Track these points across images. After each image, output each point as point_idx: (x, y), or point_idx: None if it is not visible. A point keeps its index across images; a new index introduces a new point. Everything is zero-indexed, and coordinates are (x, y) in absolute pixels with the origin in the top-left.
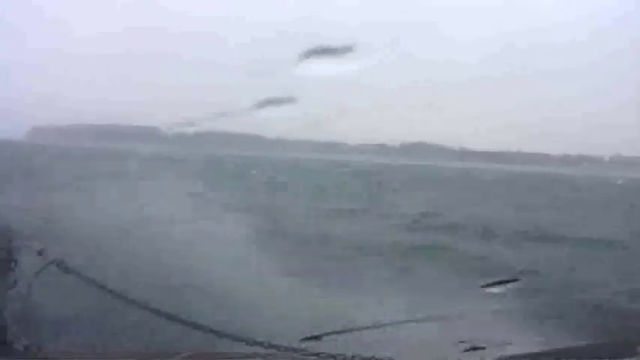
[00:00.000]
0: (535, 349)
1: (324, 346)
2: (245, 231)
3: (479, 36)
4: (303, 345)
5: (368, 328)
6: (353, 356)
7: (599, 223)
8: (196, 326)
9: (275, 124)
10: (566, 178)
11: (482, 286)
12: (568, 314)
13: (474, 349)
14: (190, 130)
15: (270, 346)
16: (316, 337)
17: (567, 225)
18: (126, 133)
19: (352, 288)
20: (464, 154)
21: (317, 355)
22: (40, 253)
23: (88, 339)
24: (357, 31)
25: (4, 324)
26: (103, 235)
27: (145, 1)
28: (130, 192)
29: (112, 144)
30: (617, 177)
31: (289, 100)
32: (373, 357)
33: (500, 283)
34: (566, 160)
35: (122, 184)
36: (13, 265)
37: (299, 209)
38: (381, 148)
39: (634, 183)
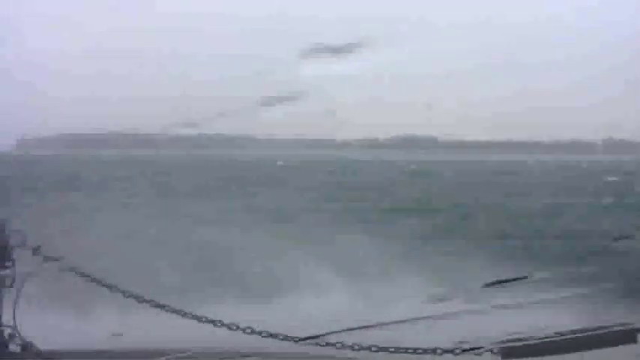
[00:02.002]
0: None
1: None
2: None
3: (472, 28)
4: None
5: (369, 327)
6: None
7: None
8: (195, 317)
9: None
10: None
11: (486, 285)
12: None
13: (473, 349)
14: (190, 131)
15: (270, 335)
16: (316, 337)
17: None
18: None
19: None
20: (459, 144)
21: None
22: (35, 251)
23: (86, 336)
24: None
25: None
26: None
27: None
28: None
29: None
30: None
31: (290, 97)
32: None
33: (503, 281)
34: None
35: None
36: (10, 264)
37: None
38: (374, 143)
39: None
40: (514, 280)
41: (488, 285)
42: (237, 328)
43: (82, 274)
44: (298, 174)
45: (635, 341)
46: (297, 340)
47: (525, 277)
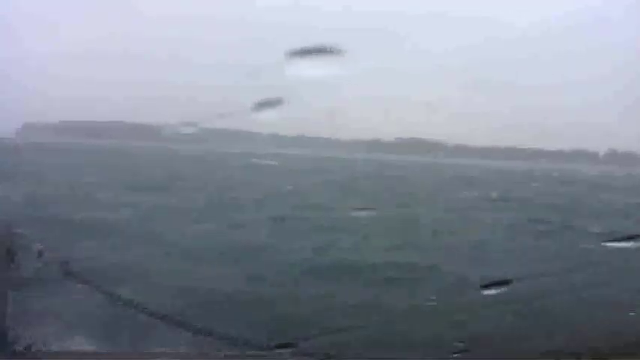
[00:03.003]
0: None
1: (298, 352)
2: None
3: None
4: (278, 351)
5: (343, 330)
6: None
7: None
8: (193, 329)
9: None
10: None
11: (481, 287)
12: None
13: (466, 350)
14: (188, 129)
15: (266, 347)
16: (290, 345)
17: None
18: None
19: None
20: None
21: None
22: (40, 254)
23: (87, 338)
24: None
25: (4, 324)
26: None
27: (133, 4)
28: None
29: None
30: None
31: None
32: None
33: (500, 283)
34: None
35: None
36: (13, 266)
37: None
38: (375, 145)
39: None
40: (506, 282)
41: (484, 287)
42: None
43: (83, 279)
44: (257, 172)
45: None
46: (274, 346)
47: (511, 281)
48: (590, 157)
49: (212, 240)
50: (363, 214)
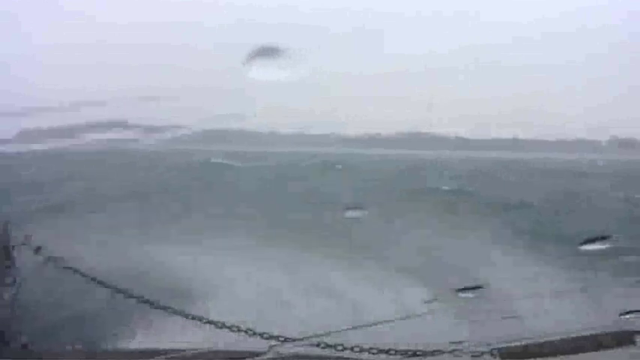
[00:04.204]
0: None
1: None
2: None
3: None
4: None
5: (363, 327)
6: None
7: None
8: (195, 318)
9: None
10: None
11: (457, 290)
12: None
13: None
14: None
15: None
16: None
17: None
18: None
19: None
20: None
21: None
22: (37, 250)
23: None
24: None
25: (3, 322)
26: None
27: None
28: None
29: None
30: None
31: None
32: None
33: (474, 288)
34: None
35: None
36: (10, 263)
37: None
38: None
39: None
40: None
41: (462, 289)
42: (239, 329)
43: (82, 274)
44: (198, 173)
45: (632, 343)
46: (296, 340)
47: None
48: None
49: None
50: None
